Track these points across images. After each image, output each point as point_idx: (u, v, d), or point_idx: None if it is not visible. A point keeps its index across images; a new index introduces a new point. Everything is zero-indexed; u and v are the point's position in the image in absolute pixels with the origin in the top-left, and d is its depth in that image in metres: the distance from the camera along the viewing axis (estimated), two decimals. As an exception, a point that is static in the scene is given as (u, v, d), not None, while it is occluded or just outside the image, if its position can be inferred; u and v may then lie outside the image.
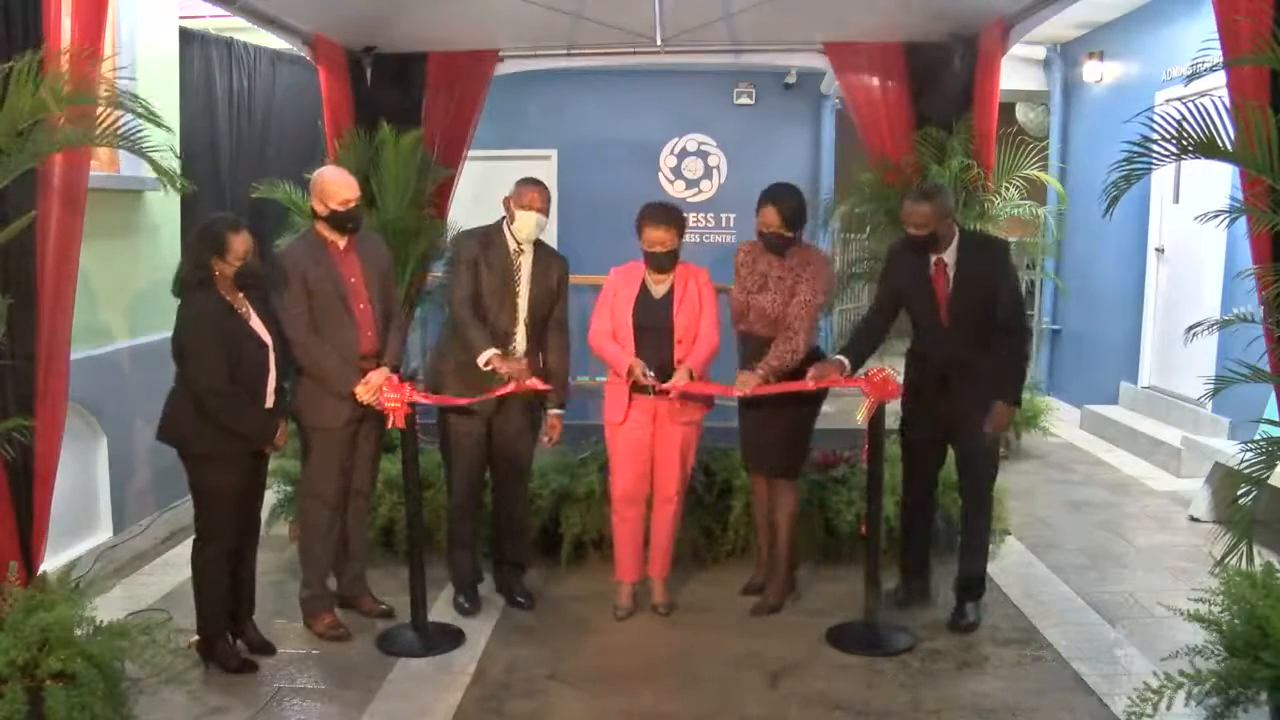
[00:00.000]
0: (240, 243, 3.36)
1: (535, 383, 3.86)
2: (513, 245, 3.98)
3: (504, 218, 4.00)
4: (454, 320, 3.99)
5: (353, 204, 3.76)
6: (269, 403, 3.51)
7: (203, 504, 3.50)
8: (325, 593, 3.97)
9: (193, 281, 3.38)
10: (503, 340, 3.94)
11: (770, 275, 3.98)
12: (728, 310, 4.09)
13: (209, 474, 3.45)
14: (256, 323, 3.48)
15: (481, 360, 3.82)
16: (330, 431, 3.79)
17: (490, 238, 4.00)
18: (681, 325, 3.93)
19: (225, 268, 3.37)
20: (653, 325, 3.93)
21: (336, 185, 3.74)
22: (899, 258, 4.04)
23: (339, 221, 3.75)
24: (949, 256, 3.84)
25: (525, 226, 3.93)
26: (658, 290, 3.99)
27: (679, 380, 3.85)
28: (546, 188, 3.99)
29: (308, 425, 3.79)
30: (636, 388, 3.89)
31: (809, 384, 3.77)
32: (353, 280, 3.78)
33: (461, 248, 4.02)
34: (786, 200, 3.94)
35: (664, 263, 3.93)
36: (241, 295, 3.47)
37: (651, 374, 3.84)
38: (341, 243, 3.79)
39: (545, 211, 3.95)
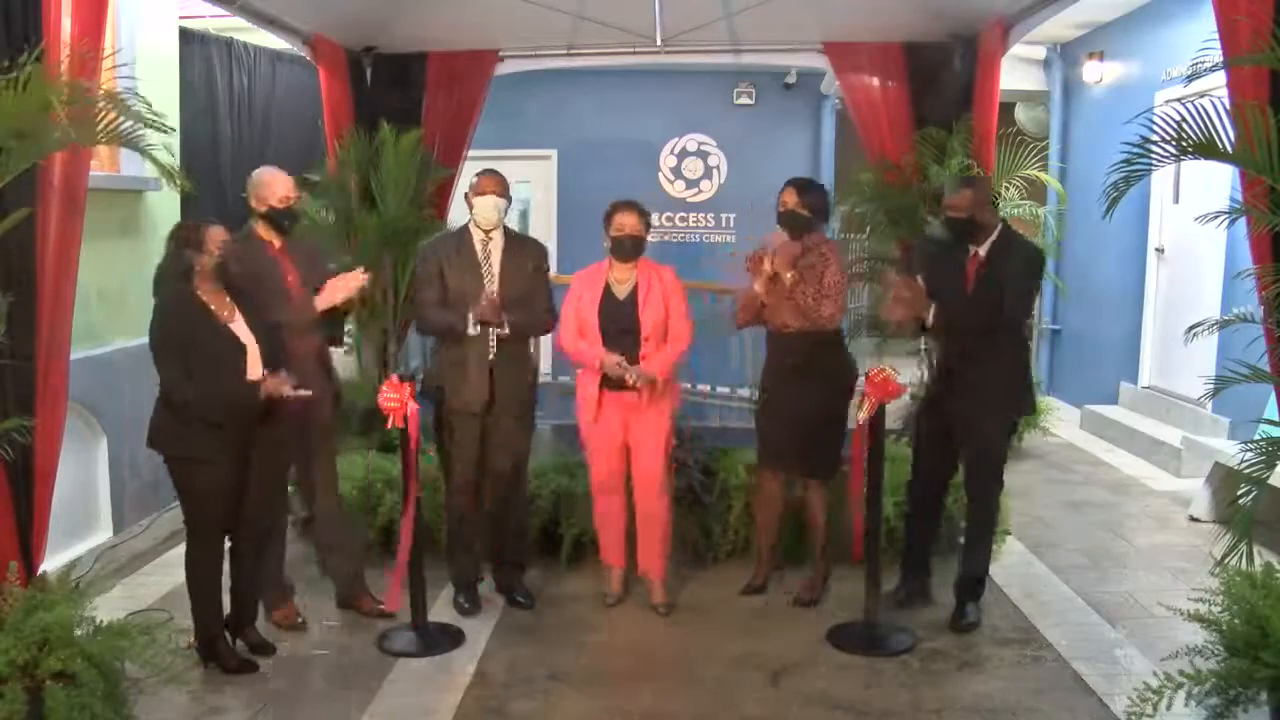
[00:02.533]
0: (216, 235, 3.40)
1: (491, 310, 3.82)
2: (480, 236, 4.01)
3: (470, 218, 4.04)
4: (426, 328, 4.07)
5: (291, 202, 3.84)
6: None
7: (187, 507, 3.51)
8: (280, 584, 3.99)
9: (169, 279, 3.42)
10: (479, 332, 3.93)
11: (785, 274, 3.99)
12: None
13: (189, 476, 3.46)
14: (239, 325, 3.48)
15: (469, 330, 3.87)
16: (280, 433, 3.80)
17: (457, 237, 4.07)
18: (648, 323, 3.97)
19: (205, 260, 3.38)
20: (619, 327, 3.98)
21: (276, 182, 3.83)
22: (932, 247, 4.14)
23: (278, 219, 3.82)
24: (984, 250, 3.86)
25: (483, 210, 3.97)
26: (621, 290, 4.02)
27: (644, 377, 3.91)
28: (501, 175, 4.04)
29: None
30: (607, 382, 3.96)
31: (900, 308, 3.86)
32: (289, 278, 3.84)
33: (423, 260, 4.07)
34: (809, 187, 4.06)
35: (630, 248, 3.98)
36: (229, 299, 3.48)
37: (625, 364, 3.91)
38: (277, 243, 3.86)
39: (500, 194, 3.98)
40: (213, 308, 3.44)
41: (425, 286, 4.02)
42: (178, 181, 2.88)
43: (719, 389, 7.58)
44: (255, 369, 3.48)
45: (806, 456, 4.09)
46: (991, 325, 3.79)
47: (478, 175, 4.05)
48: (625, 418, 4.02)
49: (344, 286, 3.82)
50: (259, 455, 3.56)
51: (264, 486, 3.67)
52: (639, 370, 3.91)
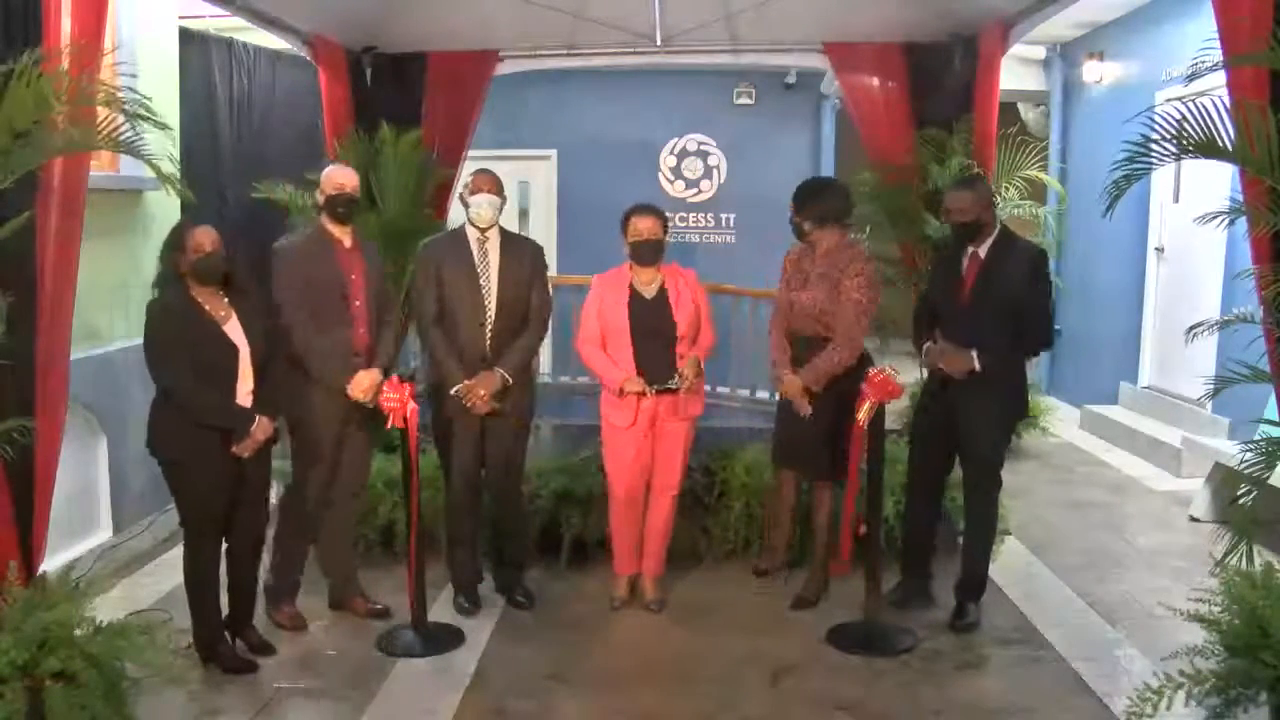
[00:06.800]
0: (195, 236, 3.38)
1: (482, 405, 3.89)
2: (476, 235, 4.01)
3: (466, 218, 4.05)
4: (427, 344, 4.07)
5: (345, 190, 3.85)
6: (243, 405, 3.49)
7: (182, 508, 3.52)
8: (289, 583, 3.99)
9: (161, 281, 3.43)
10: (475, 331, 3.95)
11: (812, 272, 4.01)
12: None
13: (183, 478, 3.46)
14: (234, 326, 3.46)
15: (452, 392, 3.90)
16: (315, 428, 3.83)
17: (454, 237, 4.09)
18: (683, 323, 3.95)
19: (184, 260, 3.38)
20: (652, 328, 3.94)
21: (330, 174, 3.90)
22: (943, 251, 4.16)
23: (331, 207, 3.85)
24: (983, 250, 3.86)
25: (479, 209, 3.98)
26: (648, 291, 4.00)
27: (689, 371, 3.91)
28: (495, 174, 4.06)
29: (294, 420, 3.81)
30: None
31: (947, 367, 3.83)
32: (353, 277, 3.85)
33: (421, 262, 4.07)
34: (809, 197, 4.07)
35: (650, 253, 3.96)
36: (227, 300, 3.47)
37: (653, 388, 3.89)
38: (346, 240, 3.88)
39: (494, 191, 4.00)
40: (207, 308, 3.43)
41: (425, 292, 4.00)
42: (176, 189, 2.88)
43: (719, 389, 7.58)
44: (248, 373, 3.48)
45: (818, 457, 4.09)
46: (989, 337, 3.78)
47: (473, 174, 4.07)
48: (652, 424, 3.98)
49: (366, 390, 3.78)
50: (256, 457, 3.56)
51: (262, 488, 3.67)
52: (678, 375, 3.91)
